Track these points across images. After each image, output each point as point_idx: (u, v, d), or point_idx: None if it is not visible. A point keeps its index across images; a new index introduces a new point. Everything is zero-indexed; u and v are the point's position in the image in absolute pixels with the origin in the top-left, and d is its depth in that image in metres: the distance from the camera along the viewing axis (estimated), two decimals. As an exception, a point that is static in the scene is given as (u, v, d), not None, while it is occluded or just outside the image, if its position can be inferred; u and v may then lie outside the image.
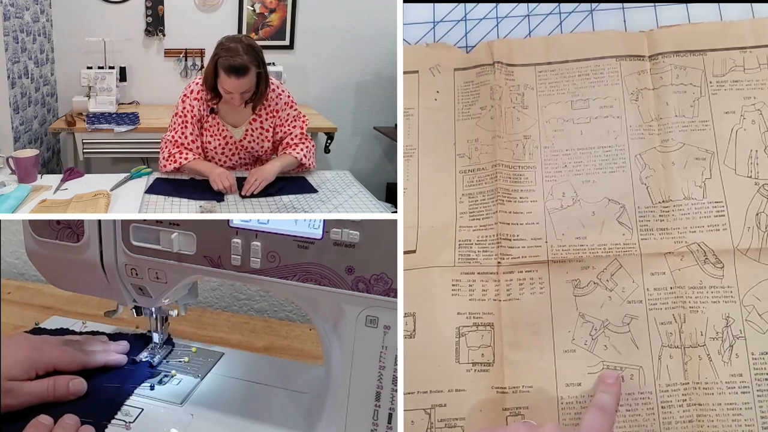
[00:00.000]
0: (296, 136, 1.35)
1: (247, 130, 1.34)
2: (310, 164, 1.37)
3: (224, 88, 1.25)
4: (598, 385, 0.71)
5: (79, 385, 0.77)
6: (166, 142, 1.31)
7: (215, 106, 1.32)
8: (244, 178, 1.26)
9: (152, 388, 0.80)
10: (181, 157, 1.28)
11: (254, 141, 1.35)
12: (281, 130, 1.36)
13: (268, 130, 1.35)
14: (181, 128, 1.30)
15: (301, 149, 1.34)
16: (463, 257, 0.80)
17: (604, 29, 0.92)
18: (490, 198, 0.83)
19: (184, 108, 1.30)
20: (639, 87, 0.87)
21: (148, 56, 2.13)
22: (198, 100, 1.30)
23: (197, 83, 1.31)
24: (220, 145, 1.34)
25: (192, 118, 1.29)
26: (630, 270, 0.78)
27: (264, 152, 1.37)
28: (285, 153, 1.34)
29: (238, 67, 1.21)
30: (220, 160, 1.37)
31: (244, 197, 1.22)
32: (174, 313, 0.85)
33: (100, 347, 0.85)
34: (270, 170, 1.27)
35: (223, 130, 1.33)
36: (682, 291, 0.76)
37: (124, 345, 0.88)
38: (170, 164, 1.29)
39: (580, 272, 0.78)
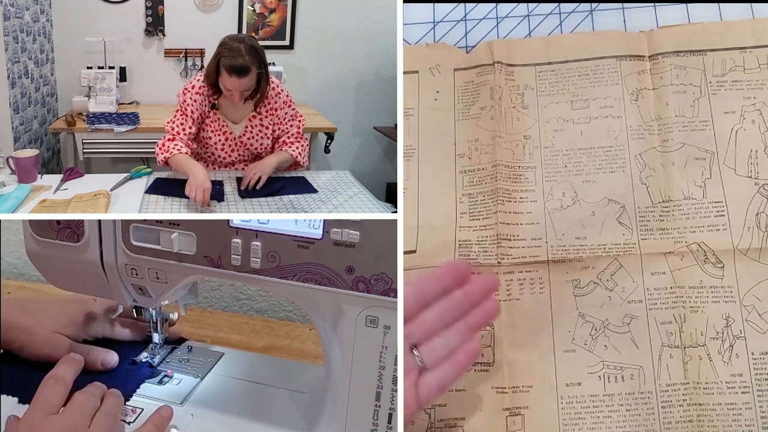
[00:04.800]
0: (293, 134, 1.38)
1: (246, 127, 1.36)
2: (303, 162, 1.39)
3: (225, 86, 1.27)
4: None
5: (110, 357, 0.82)
6: (165, 132, 1.31)
7: (216, 102, 1.33)
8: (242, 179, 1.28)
9: (161, 382, 0.81)
10: (174, 148, 1.25)
11: (253, 138, 1.37)
12: (279, 129, 1.38)
13: (267, 128, 1.37)
14: (180, 120, 1.30)
15: (297, 147, 1.37)
16: (463, 257, 0.80)
17: (604, 29, 0.92)
18: (490, 198, 0.83)
19: (184, 101, 1.31)
20: (639, 87, 0.87)
21: (148, 56, 2.13)
22: (200, 95, 1.31)
23: (198, 79, 1.32)
24: (220, 140, 1.36)
25: (192, 112, 1.30)
26: (630, 270, 0.78)
27: (264, 149, 1.38)
28: (281, 150, 1.36)
29: (240, 67, 1.23)
30: (220, 156, 1.38)
31: (243, 197, 1.23)
32: (175, 316, 0.86)
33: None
34: (267, 165, 1.30)
35: (223, 126, 1.35)
36: (682, 291, 0.76)
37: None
38: (161, 154, 1.26)
39: (580, 272, 0.78)
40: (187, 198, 1.18)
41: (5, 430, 0.65)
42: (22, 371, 0.79)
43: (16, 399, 0.76)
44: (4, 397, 0.76)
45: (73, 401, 0.66)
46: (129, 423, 0.74)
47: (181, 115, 1.30)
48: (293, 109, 1.39)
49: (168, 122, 1.31)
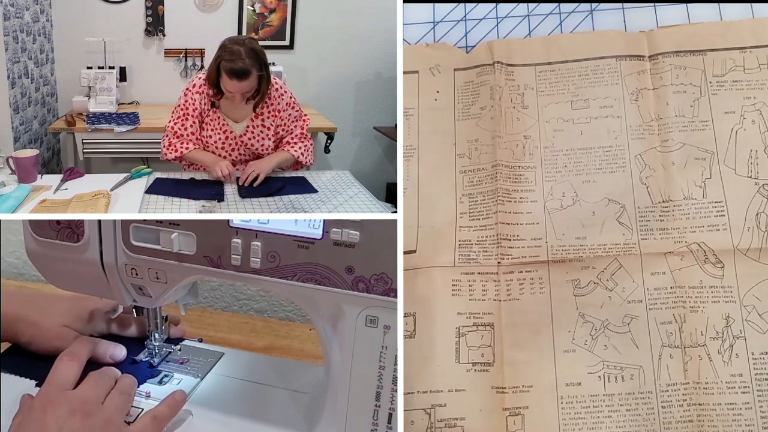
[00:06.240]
0: (296, 135, 1.39)
1: (248, 126, 1.36)
2: (307, 161, 1.40)
3: (226, 89, 1.28)
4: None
5: (119, 351, 0.83)
6: (166, 132, 1.35)
7: (217, 101, 1.34)
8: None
9: (161, 382, 0.82)
10: (182, 147, 1.33)
11: (254, 137, 1.37)
12: (283, 129, 1.38)
13: (269, 128, 1.37)
14: (182, 120, 1.33)
15: (299, 147, 1.38)
16: (463, 257, 0.80)
17: (604, 29, 0.92)
18: (490, 198, 0.83)
19: (185, 101, 1.33)
20: (639, 87, 0.87)
21: (148, 56, 2.13)
22: (200, 94, 1.32)
23: (200, 78, 1.33)
24: (220, 139, 1.36)
25: (193, 111, 1.33)
26: (630, 270, 0.78)
27: (264, 149, 1.39)
28: (283, 150, 1.37)
29: (240, 71, 1.24)
30: (220, 155, 1.39)
31: (243, 197, 1.23)
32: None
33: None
34: (266, 164, 1.32)
35: (223, 125, 1.35)
36: (682, 291, 0.76)
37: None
38: (170, 153, 1.33)
39: (580, 272, 0.78)
40: (187, 198, 1.19)
41: (19, 408, 0.66)
42: (34, 362, 0.81)
43: (33, 382, 0.78)
44: (22, 379, 0.78)
45: (88, 378, 0.68)
46: (129, 423, 0.74)
47: (182, 115, 1.33)
48: (297, 110, 1.40)
49: (169, 121, 1.34)
